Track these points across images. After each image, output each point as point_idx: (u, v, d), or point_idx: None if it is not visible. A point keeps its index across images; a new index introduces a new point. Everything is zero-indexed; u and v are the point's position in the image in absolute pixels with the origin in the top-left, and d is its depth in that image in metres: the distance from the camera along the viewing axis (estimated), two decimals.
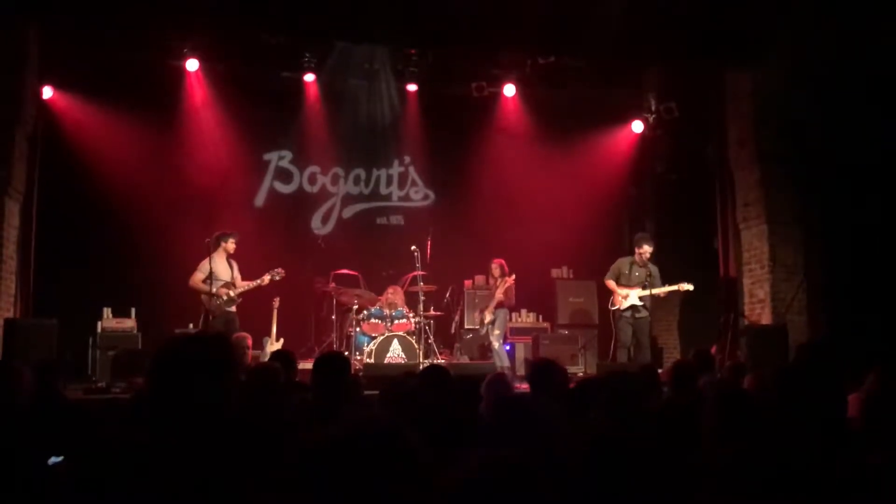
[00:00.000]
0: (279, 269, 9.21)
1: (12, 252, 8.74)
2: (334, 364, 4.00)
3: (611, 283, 9.70)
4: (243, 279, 9.23)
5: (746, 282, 10.43)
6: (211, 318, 8.93)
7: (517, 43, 9.83)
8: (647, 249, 9.57)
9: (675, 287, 9.52)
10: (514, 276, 10.03)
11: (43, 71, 9.30)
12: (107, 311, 9.35)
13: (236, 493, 1.87)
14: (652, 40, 9.56)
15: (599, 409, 3.71)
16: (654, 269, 9.66)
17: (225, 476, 1.87)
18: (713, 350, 9.87)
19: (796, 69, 9.45)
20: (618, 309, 9.58)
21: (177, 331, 8.73)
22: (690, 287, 9.47)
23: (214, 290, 8.89)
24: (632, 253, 9.92)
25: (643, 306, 9.54)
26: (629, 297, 9.50)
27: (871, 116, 8.76)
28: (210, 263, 8.92)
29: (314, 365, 4.02)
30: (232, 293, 9.08)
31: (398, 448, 1.52)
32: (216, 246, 9.06)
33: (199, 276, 9.00)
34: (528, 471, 1.57)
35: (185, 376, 1.98)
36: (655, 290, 9.54)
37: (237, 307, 9.17)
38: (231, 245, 9.18)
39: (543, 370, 4.46)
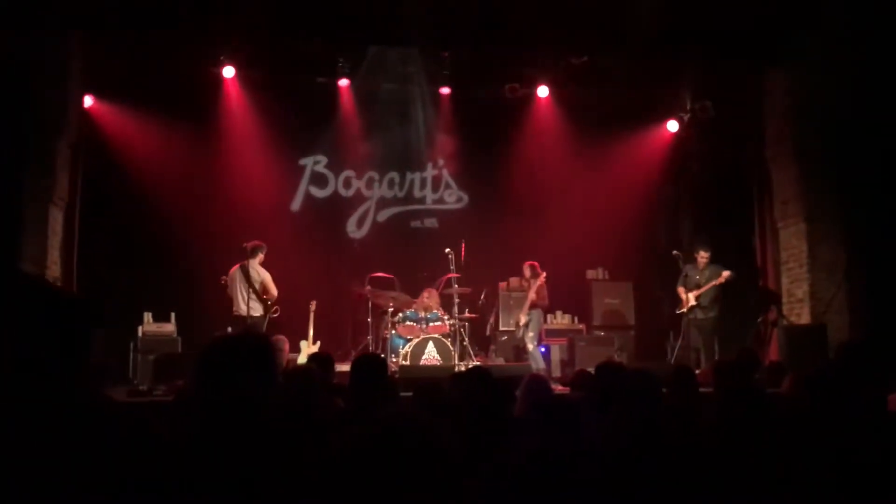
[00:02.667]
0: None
1: (56, 258, 8.94)
2: (372, 365, 4.03)
3: (679, 290, 10.08)
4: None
5: (785, 281, 10.31)
6: (266, 324, 9.09)
7: (551, 43, 9.82)
8: (702, 254, 10.00)
9: (717, 281, 9.76)
10: (545, 275, 10.03)
11: (84, 80, 9.49)
12: (147, 316, 9.51)
13: (279, 491, 1.90)
14: (687, 38, 9.49)
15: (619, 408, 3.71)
16: (711, 269, 9.90)
17: (268, 473, 1.91)
18: None
19: (834, 65, 9.32)
20: (683, 312, 9.94)
21: (216, 334, 8.84)
22: (728, 273, 9.75)
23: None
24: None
25: (700, 307, 9.85)
26: (689, 300, 9.84)
27: None
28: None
29: (352, 366, 4.07)
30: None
31: (430, 445, 1.54)
32: (256, 254, 9.19)
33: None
34: (561, 468, 1.59)
35: (231, 374, 2.01)
36: (702, 288, 9.79)
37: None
38: (263, 256, 9.29)
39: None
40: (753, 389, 4.97)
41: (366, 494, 1.49)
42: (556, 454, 1.59)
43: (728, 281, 9.71)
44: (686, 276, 9.97)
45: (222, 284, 9.23)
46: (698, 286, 9.81)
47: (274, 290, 9.13)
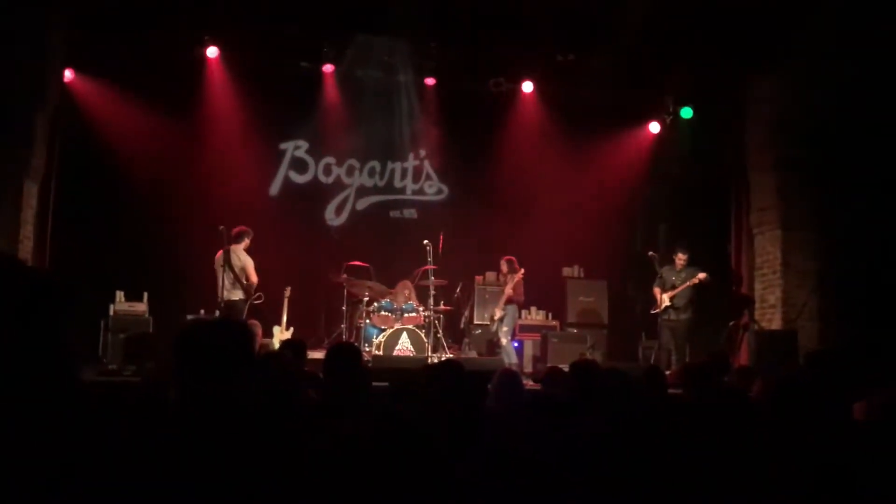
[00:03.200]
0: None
1: (29, 232, 8.81)
2: (347, 355, 4.02)
3: (655, 290, 10.05)
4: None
5: (758, 287, 10.42)
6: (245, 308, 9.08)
7: (538, 39, 9.83)
8: (680, 256, 9.98)
9: (692, 282, 9.77)
10: (522, 271, 10.05)
11: (65, 53, 9.35)
12: (119, 295, 9.42)
13: (261, 482, 1.87)
14: (674, 43, 9.55)
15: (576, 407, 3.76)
16: (688, 271, 9.90)
17: (249, 464, 1.88)
18: None
19: (818, 76, 9.42)
20: (657, 313, 9.90)
21: (189, 317, 8.81)
22: (703, 275, 9.75)
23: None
24: (645, 254, 10.20)
25: (674, 308, 9.82)
26: (664, 300, 9.83)
27: (892, 125, 8.72)
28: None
29: (326, 355, 4.05)
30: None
31: (425, 443, 1.53)
32: (241, 240, 9.18)
33: (254, 269, 9.14)
34: (540, 467, 1.60)
35: (212, 362, 1.98)
36: (677, 289, 9.79)
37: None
38: (249, 242, 9.28)
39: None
40: (725, 391, 5.05)
41: (361, 491, 1.48)
42: (534, 453, 1.60)
43: (703, 283, 9.76)
44: (662, 277, 9.99)
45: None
46: (674, 287, 9.84)
47: (254, 277, 9.09)
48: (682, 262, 9.95)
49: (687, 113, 11.17)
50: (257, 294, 9.14)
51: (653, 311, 10.07)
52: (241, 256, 9.11)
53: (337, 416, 3.08)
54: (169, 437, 1.91)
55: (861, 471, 2.74)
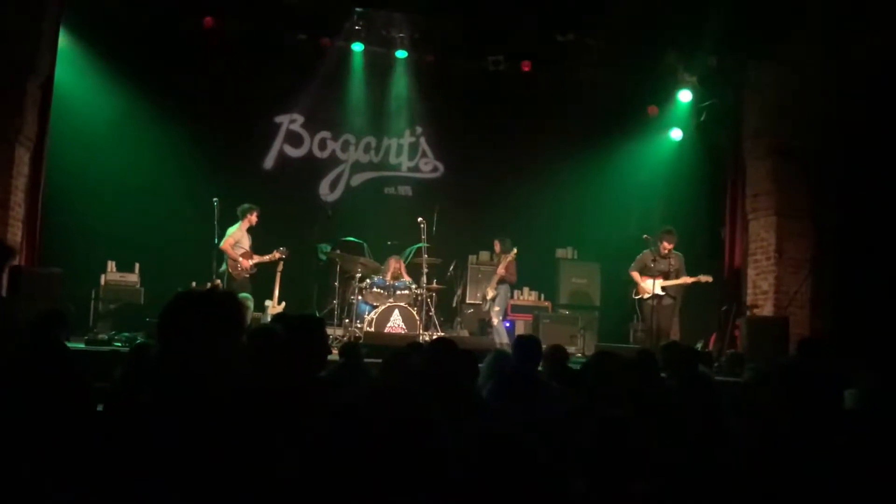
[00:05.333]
0: (283, 249, 9.43)
1: (20, 199, 8.72)
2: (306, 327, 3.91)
3: (635, 275, 9.73)
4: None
5: (751, 273, 10.42)
6: (233, 282, 9.14)
7: (538, 17, 9.75)
8: (666, 245, 9.56)
9: (695, 279, 9.49)
10: (515, 251, 10.02)
11: (59, 20, 9.23)
12: (111, 265, 9.39)
13: (244, 457, 1.85)
14: (674, 27, 9.48)
15: (584, 388, 3.76)
16: (677, 258, 9.61)
17: (231, 437, 1.86)
18: (713, 338, 9.99)
19: (816, 62, 9.38)
20: (641, 298, 9.63)
21: (179, 289, 8.76)
22: (710, 279, 9.51)
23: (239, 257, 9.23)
24: (640, 237, 9.97)
25: (667, 295, 9.54)
26: (655, 287, 9.48)
27: (889, 113, 8.70)
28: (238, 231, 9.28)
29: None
30: (250, 262, 9.29)
31: (420, 417, 1.52)
32: (242, 216, 9.30)
33: (230, 242, 9.23)
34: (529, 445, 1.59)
35: (196, 333, 1.95)
36: (678, 280, 9.50)
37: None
38: (255, 217, 9.38)
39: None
40: (699, 376, 5.07)
41: (346, 468, 1.46)
42: (519, 431, 1.59)
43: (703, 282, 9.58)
44: (645, 264, 9.63)
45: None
46: (665, 275, 9.52)
47: (223, 245, 9.16)
48: (667, 250, 9.58)
49: (685, 97, 11.10)
50: (240, 266, 9.24)
51: (636, 297, 9.75)
52: (229, 229, 9.24)
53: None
54: (151, 408, 1.88)
55: (848, 456, 2.74)
